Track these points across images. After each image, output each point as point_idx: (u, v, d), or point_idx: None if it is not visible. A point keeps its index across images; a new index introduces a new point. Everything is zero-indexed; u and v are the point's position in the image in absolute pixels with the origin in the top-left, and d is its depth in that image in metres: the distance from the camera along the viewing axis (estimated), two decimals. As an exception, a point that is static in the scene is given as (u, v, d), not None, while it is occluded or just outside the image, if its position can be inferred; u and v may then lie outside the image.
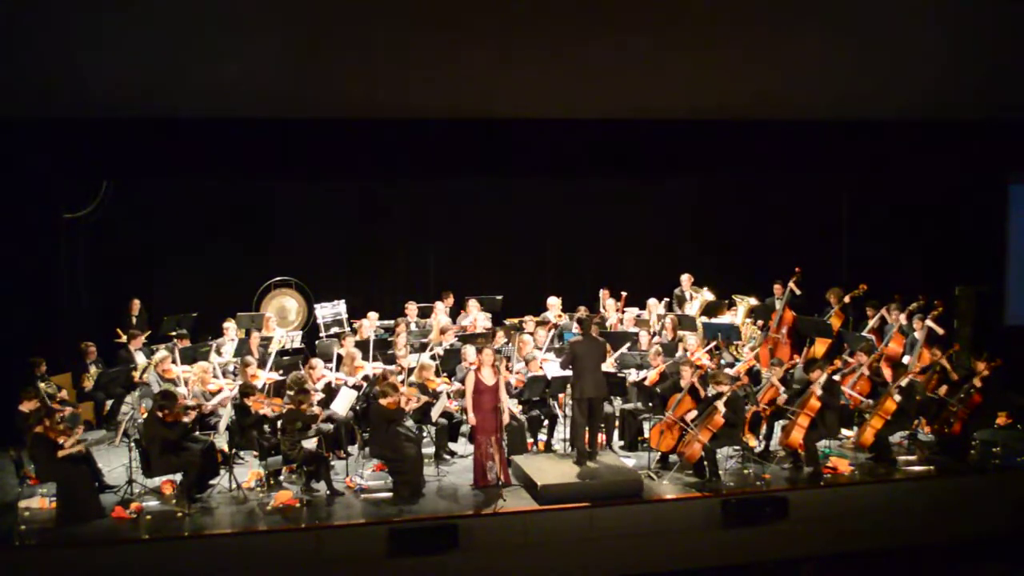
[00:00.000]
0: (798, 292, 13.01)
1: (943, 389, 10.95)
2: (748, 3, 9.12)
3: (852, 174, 14.74)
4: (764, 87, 10.77)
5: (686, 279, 13.85)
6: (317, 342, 13.06)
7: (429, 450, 10.63)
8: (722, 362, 11.58)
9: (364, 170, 12.57)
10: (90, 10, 8.38)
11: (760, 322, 13.37)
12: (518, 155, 11.83)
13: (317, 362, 11.08)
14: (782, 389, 10.67)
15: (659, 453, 10.46)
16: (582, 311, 13.00)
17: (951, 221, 14.79)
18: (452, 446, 10.98)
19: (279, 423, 9.83)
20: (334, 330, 13.51)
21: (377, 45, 9.28)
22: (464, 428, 11.08)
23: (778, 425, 10.92)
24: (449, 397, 10.78)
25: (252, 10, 8.61)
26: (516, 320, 13.13)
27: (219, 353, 12.09)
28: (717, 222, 15.54)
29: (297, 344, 13.01)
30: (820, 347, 12.48)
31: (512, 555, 9.25)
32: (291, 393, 9.88)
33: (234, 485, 9.74)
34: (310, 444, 9.78)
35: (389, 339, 12.20)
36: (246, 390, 10.05)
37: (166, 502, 9.55)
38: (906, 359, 11.86)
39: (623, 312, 13.31)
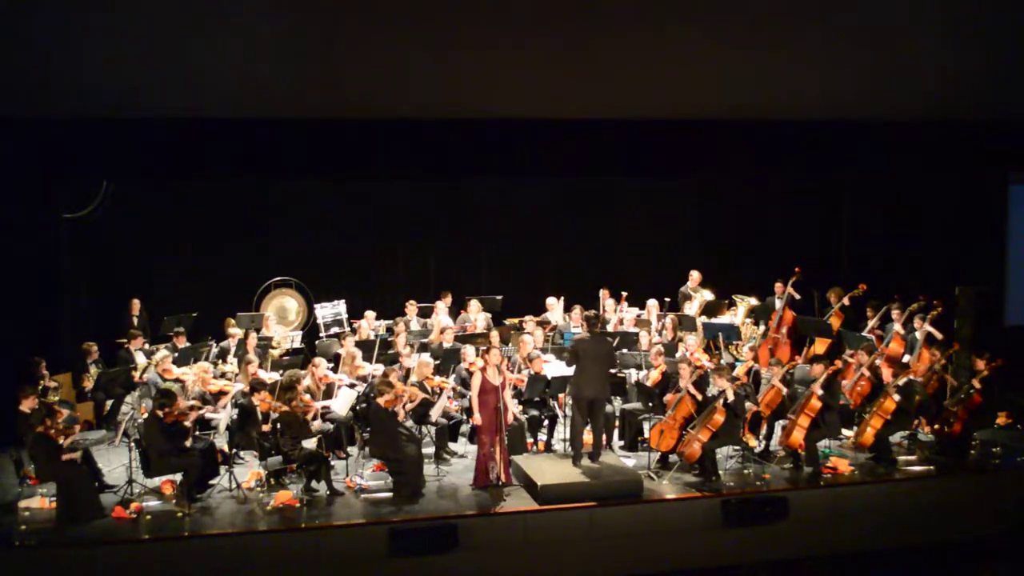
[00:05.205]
0: (797, 297, 13.01)
1: (974, 393, 10.83)
2: (748, 3, 9.11)
3: (852, 174, 14.74)
4: (765, 87, 10.76)
5: (695, 276, 13.83)
6: (317, 342, 13.06)
7: (429, 450, 10.63)
8: (722, 362, 11.59)
9: (364, 170, 12.55)
10: (89, 9, 8.37)
11: (758, 322, 13.38)
12: (518, 155, 11.82)
13: (320, 361, 11.07)
14: (785, 391, 10.67)
15: (659, 453, 10.47)
16: (577, 310, 13.05)
17: (951, 221, 14.79)
18: (452, 446, 10.98)
19: (277, 424, 9.82)
20: (334, 330, 13.51)
21: (377, 45, 9.27)
22: (464, 428, 11.09)
23: (778, 425, 10.92)
24: (450, 397, 10.78)
25: (252, 9, 8.60)
26: (516, 320, 13.14)
27: (225, 360, 12.05)
28: (717, 222, 15.54)
29: (297, 344, 13.03)
30: (820, 347, 12.49)
31: (512, 555, 9.25)
32: (285, 394, 9.88)
33: (234, 485, 9.74)
34: (310, 444, 9.78)
35: (389, 339, 12.21)
36: (257, 385, 10.03)
37: (166, 502, 9.56)
38: (906, 359, 11.87)
39: (623, 312, 13.31)
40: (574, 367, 10.09)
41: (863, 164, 13.05)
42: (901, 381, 10.60)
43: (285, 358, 11.95)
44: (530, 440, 10.92)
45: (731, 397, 9.95)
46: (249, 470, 10.20)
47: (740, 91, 10.84)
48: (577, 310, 13.10)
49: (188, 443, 9.52)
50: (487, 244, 15.30)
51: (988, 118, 12.26)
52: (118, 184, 12.97)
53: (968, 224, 14.77)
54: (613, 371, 11.09)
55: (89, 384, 11.73)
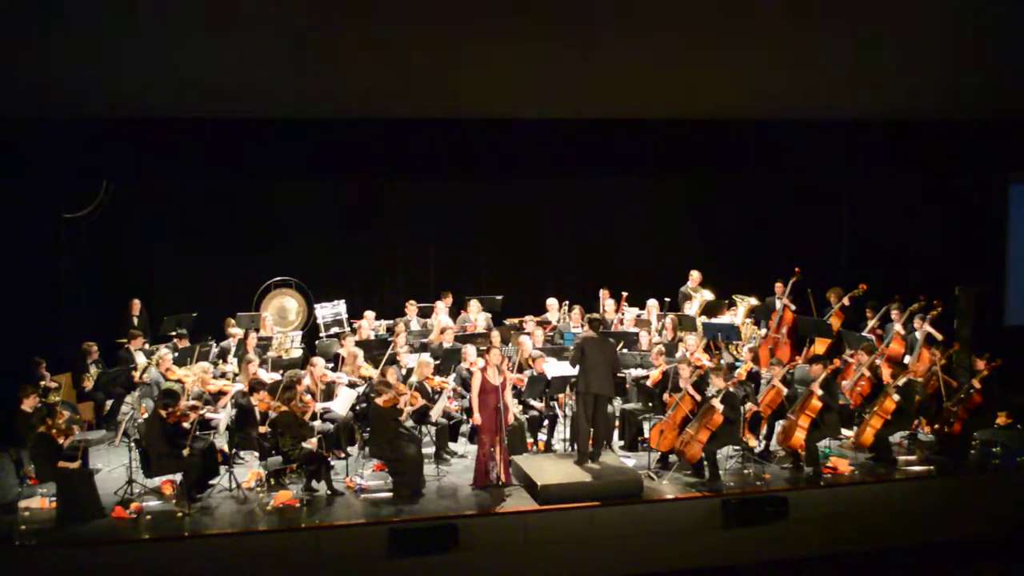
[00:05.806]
0: (793, 308, 13.00)
1: (974, 393, 10.81)
2: (747, 3, 9.12)
3: (852, 174, 14.74)
4: (764, 87, 10.76)
5: (695, 276, 13.82)
6: (317, 342, 13.06)
7: (429, 450, 10.63)
8: (722, 362, 11.58)
9: (365, 170, 12.56)
10: (90, 9, 8.38)
11: (759, 322, 13.37)
12: (518, 155, 11.82)
13: (318, 360, 11.06)
14: (785, 391, 10.67)
15: (659, 453, 10.46)
16: (577, 310, 13.04)
17: (951, 221, 14.79)
18: (452, 446, 10.98)
19: (276, 424, 9.82)
20: (334, 330, 13.52)
21: (378, 45, 9.28)
22: (464, 428, 11.09)
23: (778, 425, 10.92)
24: (450, 397, 10.78)
25: (252, 9, 8.61)
26: (516, 320, 13.14)
27: (225, 360, 12.05)
28: (717, 222, 15.54)
29: (297, 344, 13.03)
30: (820, 347, 12.48)
31: (512, 555, 9.26)
32: (285, 394, 9.88)
33: (234, 485, 9.74)
34: (310, 444, 9.79)
35: (389, 339, 12.22)
36: (256, 385, 10.04)
37: (166, 502, 9.55)
38: (906, 359, 11.87)
39: (623, 312, 13.31)
40: (579, 365, 10.09)
41: (863, 164, 13.06)
42: (901, 381, 10.60)
43: (288, 358, 11.95)
44: (530, 440, 10.92)
45: (728, 397, 9.94)
46: (249, 470, 10.20)
47: (739, 91, 10.85)
48: (577, 310, 13.11)
49: (188, 443, 9.51)
50: (487, 244, 15.30)
51: (988, 118, 12.27)
52: (118, 184, 12.97)
53: (968, 224, 14.77)
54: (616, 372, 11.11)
55: (89, 384, 11.72)
